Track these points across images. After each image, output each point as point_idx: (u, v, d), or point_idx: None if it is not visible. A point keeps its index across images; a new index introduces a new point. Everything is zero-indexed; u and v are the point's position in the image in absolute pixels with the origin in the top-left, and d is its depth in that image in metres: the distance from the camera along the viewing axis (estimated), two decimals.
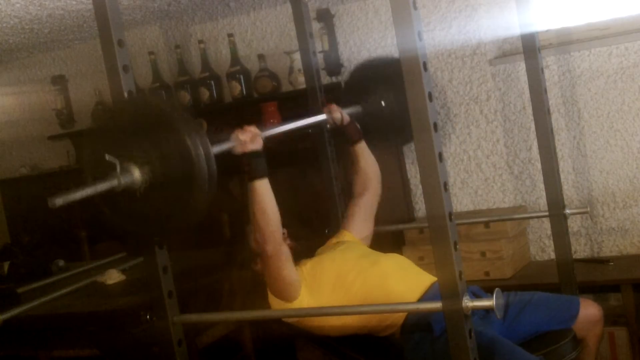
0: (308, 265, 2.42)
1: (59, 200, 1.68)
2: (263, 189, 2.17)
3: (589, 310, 2.44)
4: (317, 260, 2.47)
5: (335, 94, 3.79)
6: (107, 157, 1.76)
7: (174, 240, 3.35)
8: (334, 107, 2.71)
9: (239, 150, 2.14)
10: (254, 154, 2.15)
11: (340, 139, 2.87)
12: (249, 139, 2.14)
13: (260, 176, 2.16)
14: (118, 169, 1.75)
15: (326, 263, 2.43)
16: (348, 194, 2.83)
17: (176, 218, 1.81)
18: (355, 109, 2.82)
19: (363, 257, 2.47)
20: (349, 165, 2.80)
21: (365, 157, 2.73)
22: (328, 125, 2.79)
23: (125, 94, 1.98)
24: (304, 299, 2.30)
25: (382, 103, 2.85)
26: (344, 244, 2.59)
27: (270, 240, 2.18)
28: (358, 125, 2.75)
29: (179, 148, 1.74)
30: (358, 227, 2.68)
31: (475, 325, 1.79)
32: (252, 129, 2.17)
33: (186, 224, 1.83)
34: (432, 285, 2.33)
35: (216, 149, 1.94)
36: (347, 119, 2.71)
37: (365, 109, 2.85)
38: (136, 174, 1.77)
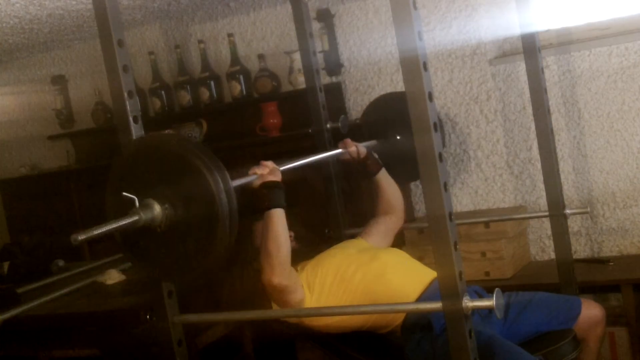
0: (309, 264, 2.42)
1: (82, 236, 1.69)
2: (280, 218, 2.18)
3: (590, 310, 2.43)
4: (318, 257, 2.48)
5: (335, 94, 3.81)
6: (124, 194, 1.78)
7: None
8: (349, 141, 2.73)
9: (257, 182, 2.17)
10: (273, 184, 2.18)
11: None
12: (268, 172, 2.18)
13: (279, 205, 2.18)
14: (137, 204, 1.76)
15: (326, 259, 2.45)
16: (369, 212, 2.81)
17: (198, 257, 1.80)
18: (371, 143, 2.83)
19: (363, 251, 2.48)
20: (373, 194, 2.80)
21: (387, 187, 2.73)
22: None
23: (126, 94, 1.98)
24: (307, 303, 2.30)
25: (397, 137, 2.88)
26: (347, 241, 2.60)
27: (278, 271, 2.18)
28: (376, 156, 2.76)
29: (199, 185, 1.74)
30: (375, 241, 2.68)
31: (474, 325, 1.79)
32: (269, 164, 2.21)
33: (209, 262, 1.80)
34: (433, 281, 2.33)
35: (237, 182, 1.96)
36: (363, 151, 2.71)
37: (381, 144, 2.86)
38: (157, 209, 1.78)
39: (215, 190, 1.72)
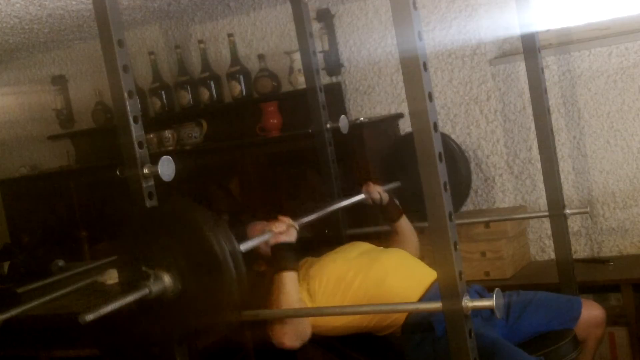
0: (312, 270, 2.41)
1: (90, 316, 1.69)
2: (292, 282, 2.17)
3: (591, 311, 2.43)
4: (320, 263, 2.47)
5: (335, 94, 3.81)
6: (144, 268, 1.79)
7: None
8: (372, 185, 2.67)
9: (272, 242, 2.15)
10: (284, 247, 2.17)
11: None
12: (284, 230, 2.16)
13: (291, 269, 2.17)
14: (152, 279, 1.78)
15: (328, 265, 2.42)
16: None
17: (208, 320, 1.84)
18: (394, 185, 2.79)
19: (364, 254, 2.46)
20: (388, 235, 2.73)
21: (405, 234, 2.68)
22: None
23: (126, 94, 1.98)
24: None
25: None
26: (349, 245, 2.59)
27: (289, 334, 2.17)
28: (397, 202, 2.71)
29: (205, 252, 1.76)
30: None
31: (477, 326, 1.78)
32: (287, 220, 2.19)
33: (218, 325, 1.86)
34: (434, 283, 2.32)
35: (246, 245, 1.97)
36: (385, 197, 2.67)
37: (404, 184, 2.82)
38: (166, 280, 1.80)
39: (222, 258, 1.75)
